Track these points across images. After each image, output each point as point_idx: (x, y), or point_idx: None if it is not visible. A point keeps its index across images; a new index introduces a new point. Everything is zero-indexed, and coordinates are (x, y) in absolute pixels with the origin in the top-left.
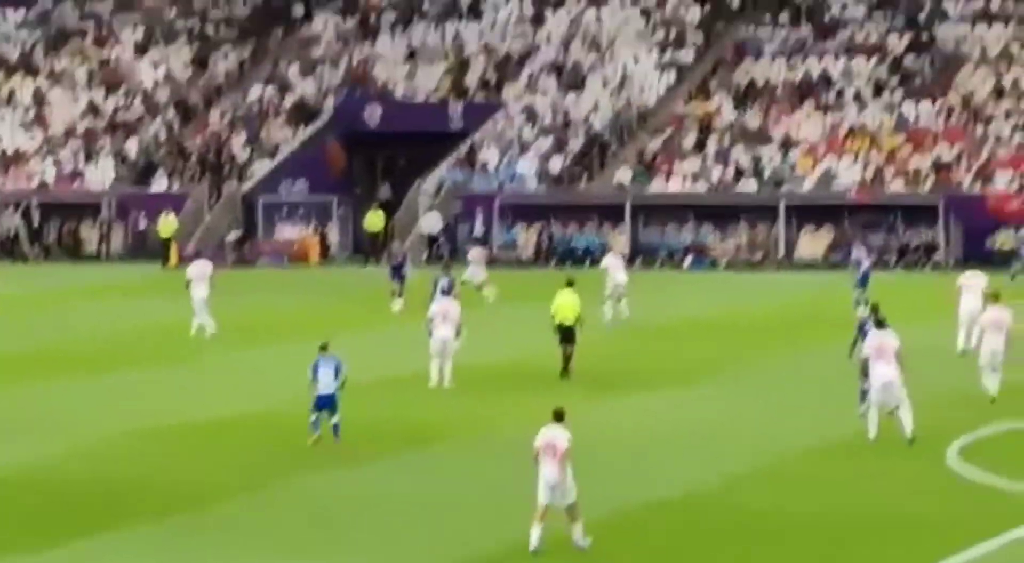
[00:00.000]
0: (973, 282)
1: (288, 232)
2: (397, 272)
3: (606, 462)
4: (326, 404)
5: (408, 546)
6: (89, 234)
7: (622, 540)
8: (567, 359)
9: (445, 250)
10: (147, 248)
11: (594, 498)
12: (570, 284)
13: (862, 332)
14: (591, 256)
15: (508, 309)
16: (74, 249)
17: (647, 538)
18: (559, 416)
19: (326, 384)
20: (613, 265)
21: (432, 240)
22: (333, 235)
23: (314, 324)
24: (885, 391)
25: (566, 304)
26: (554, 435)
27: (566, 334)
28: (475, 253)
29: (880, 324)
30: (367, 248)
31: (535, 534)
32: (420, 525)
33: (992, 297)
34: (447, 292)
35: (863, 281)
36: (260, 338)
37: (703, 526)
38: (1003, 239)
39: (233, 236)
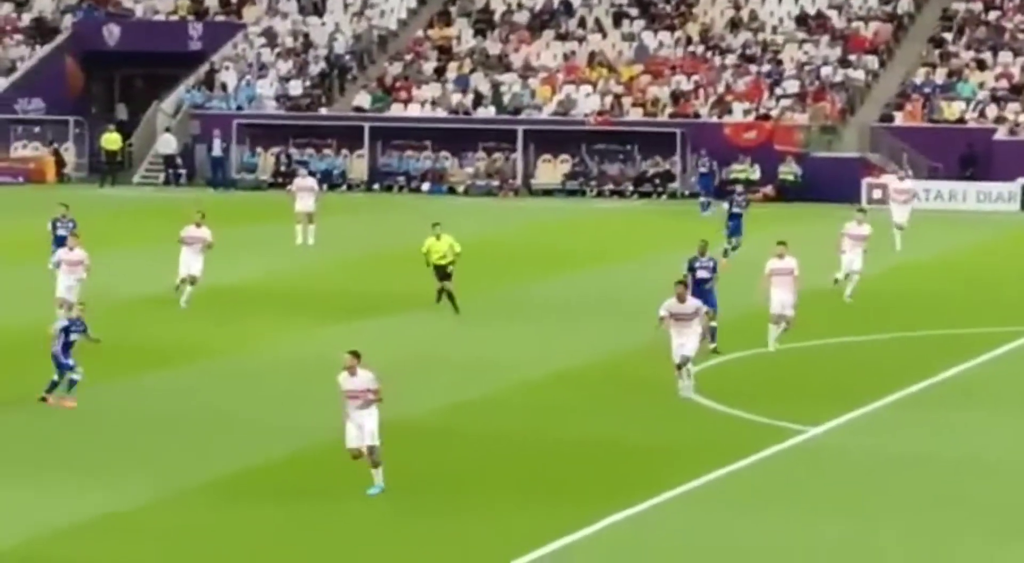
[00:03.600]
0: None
1: (24, 151)
2: None
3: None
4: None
5: (148, 465)
6: None
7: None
8: (447, 294)
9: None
10: None
11: (328, 423)
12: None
13: (691, 270)
14: (329, 179)
15: (246, 232)
16: None
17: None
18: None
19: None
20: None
21: (169, 161)
22: (69, 155)
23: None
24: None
25: (438, 245)
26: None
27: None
28: (305, 182)
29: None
30: (104, 168)
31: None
32: (163, 444)
33: (781, 246)
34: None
35: (736, 229)
36: None
37: (427, 446)
38: (739, 169)
39: None
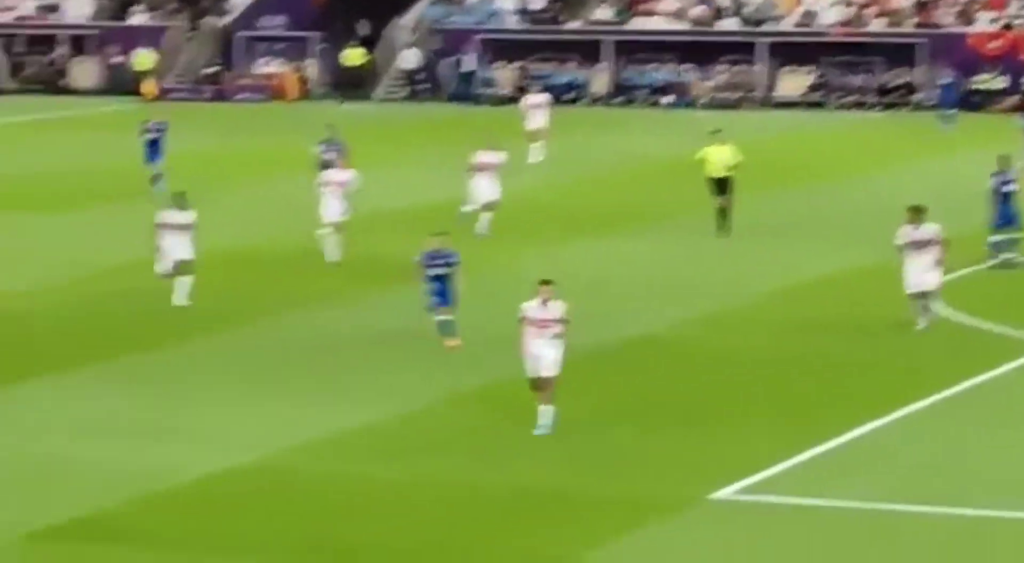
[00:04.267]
0: None
1: (266, 67)
2: None
3: (585, 303)
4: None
5: (396, 379)
6: (67, 67)
7: (596, 376)
8: (720, 211)
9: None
10: (122, 82)
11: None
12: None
13: (1001, 185)
14: (571, 93)
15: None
16: (52, 82)
17: (619, 374)
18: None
19: None
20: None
21: (411, 76)
22: (312, 71)
23: (297, 161)
24: None
25: (716, 154)
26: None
27: (720, 185)
28: (535, 98)
29: None
30: (345, 84)
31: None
32: (411, 359)
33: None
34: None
35: None
36: (238, 174)
37: (667, 363)
38: (984, 79)
39: (211, 71)
